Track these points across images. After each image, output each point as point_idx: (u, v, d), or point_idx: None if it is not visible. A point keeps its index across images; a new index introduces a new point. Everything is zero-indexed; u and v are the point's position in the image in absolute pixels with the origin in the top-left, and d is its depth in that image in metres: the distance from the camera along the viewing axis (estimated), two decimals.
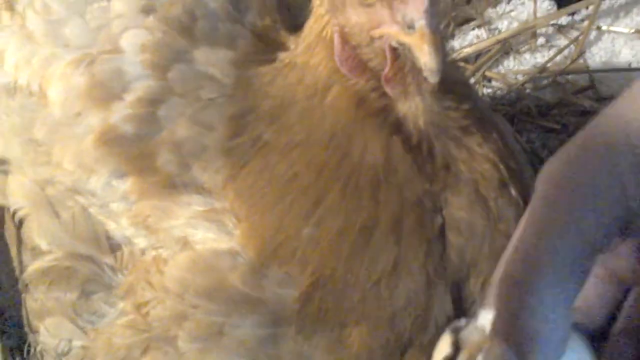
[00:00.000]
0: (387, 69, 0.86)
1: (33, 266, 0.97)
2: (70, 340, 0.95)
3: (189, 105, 0.95)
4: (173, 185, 0.93)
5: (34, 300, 0.98)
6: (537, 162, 1.38)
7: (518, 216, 0.90)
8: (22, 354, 1.09)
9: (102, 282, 0.94)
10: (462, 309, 0.91)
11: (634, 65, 1.58)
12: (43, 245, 0.97)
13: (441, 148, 0.90)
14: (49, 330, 0.97)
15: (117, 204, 0.95)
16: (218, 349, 0.88)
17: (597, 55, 1.61)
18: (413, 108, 0.88)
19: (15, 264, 1.00)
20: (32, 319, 0.99)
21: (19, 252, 1.00)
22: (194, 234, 0.91)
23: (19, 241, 1.00)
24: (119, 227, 0.94)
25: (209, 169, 0.93)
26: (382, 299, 0.88)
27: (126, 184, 0.94)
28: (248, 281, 0.88)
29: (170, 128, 0.94)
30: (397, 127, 0.89)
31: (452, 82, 0.88)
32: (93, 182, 0.95)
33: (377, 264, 0.88)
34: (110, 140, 0.95)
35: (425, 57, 0.80)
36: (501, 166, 0.92)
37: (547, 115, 1.47)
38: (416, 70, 0.84)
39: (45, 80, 1.00)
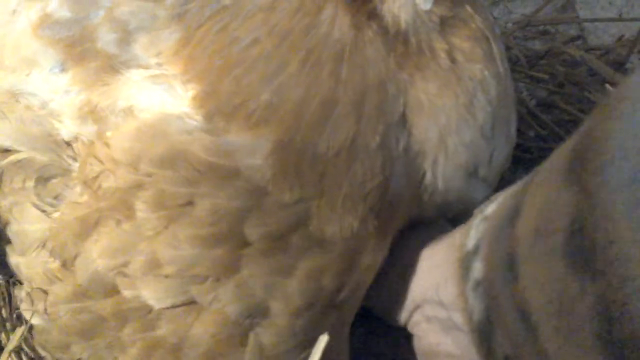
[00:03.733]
0: None
1: (2, 162, 0.96)
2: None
3: None
4: (115, 69, 0.90)
5: (4, 197, 0.98)
6: (524, 111, 1.39)
7: (499, 88, 0.92)
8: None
9: (61, 166, 0.92)
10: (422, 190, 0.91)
11: (624, 15, 1.58)
12: (6, 145, 0.96)
13: (418, 40, 0.87)
14: (17, 218, 0.96)
15: (59, 102, 0.93)
16: (186, 218, 0.85)
17: (587, 5, 1.60)
18: (396, 10, 0.86)
19: None
20: (3, 214, 0.99)
21: None
22: (139, 101, 0.88)
23: None
24: (64, 126, 0.92)
25: (160, 39, 0.90)
26: (340, 172, 0.86)
27: (67, 77, 0.92)
28: (211, 150, 0.85)
29: (110, 7, 0.92)
30: (374, 15, 0.86)
31: None
32: (34, 78, 0.94)
33: (336, 137, 0.85)
34: (48, 28, 0.94)
35: None
36: (491, 39, 0.90)
37: (536, 64, 1.46)
38: None
39: None
